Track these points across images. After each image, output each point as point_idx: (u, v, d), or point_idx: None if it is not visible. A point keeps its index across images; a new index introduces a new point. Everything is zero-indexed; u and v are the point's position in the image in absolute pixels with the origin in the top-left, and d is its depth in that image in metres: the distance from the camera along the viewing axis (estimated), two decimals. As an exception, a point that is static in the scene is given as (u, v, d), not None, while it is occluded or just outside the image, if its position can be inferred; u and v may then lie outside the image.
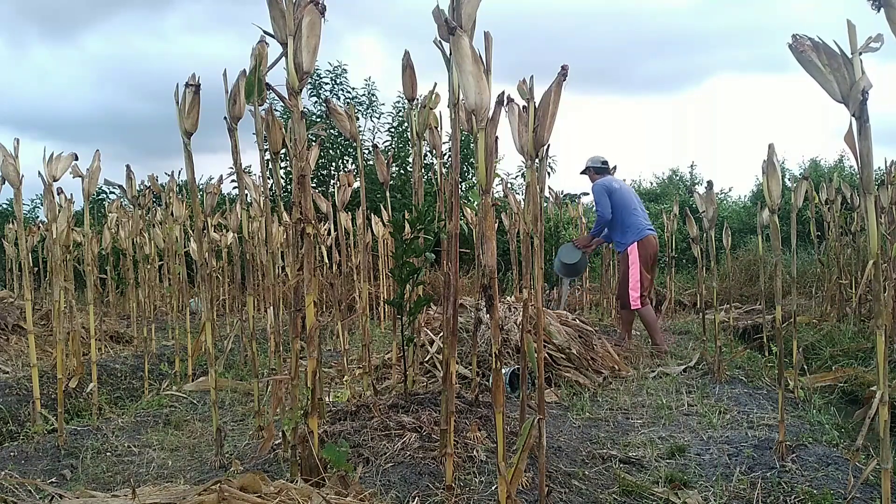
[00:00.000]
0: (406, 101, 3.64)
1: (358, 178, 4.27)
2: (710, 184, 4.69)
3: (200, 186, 10.45)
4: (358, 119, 12.01)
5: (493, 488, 2.41)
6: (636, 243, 5.89)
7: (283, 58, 2.16)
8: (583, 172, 6.52)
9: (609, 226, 6.07)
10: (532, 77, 2.12)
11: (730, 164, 39.26)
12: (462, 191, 12.42)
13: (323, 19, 2.13)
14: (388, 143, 13.53)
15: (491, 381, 2.19)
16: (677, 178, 20.09)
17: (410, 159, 6.51)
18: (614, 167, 7.24)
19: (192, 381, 4.84)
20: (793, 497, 2.46)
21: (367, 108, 13.91)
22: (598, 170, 6.30)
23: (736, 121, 46.10)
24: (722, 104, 52.07)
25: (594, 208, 6.31)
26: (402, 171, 12.77)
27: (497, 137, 2.16)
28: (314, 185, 12.37)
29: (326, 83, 13.65)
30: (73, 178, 3.66)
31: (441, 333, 4.41)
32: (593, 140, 41.46)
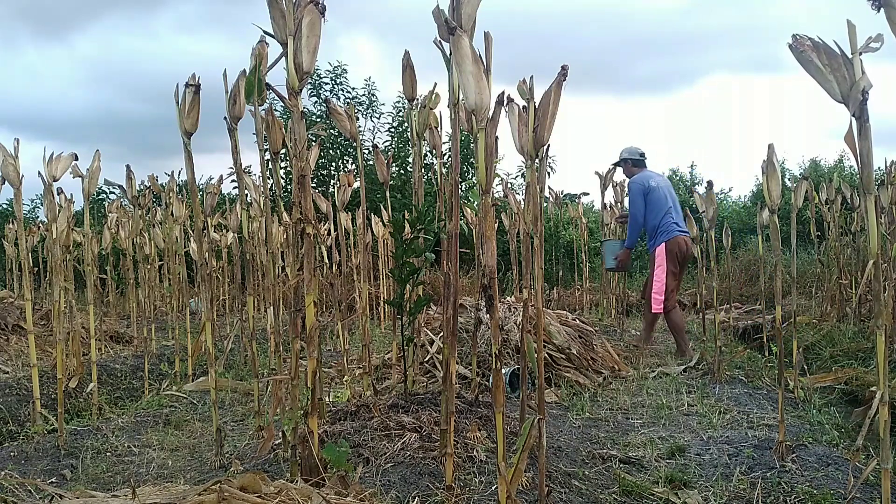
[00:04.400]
0: (406, 101, 3.64)
1: (358, 178, 4.27)
2: (710, 184, 4.69)
3: (200, 186, 10.46)
4: (358, 119, 12.01)
5: (493, 488, 2.41)
6: (664, 244, 5.54)
7: (283, 58, 2.16)
8: (617, 164, 6.08)
9: (644, 225, 5.69)
10: (532, 77, 2.12)
11: (729, 164, 39.28)
12: (462, 191, 12.41)
13: (323, 19, 2.13)
14: (388, 143, 13.53)
15: (491, 381, 2.19)
16: (677, 178, 20.09)
17: (410, 159, 6.51)
18: (615, 167, 7.13)
19: (192, 381, 4.83)
20: (793, 497, 2.46)
21: (367, 108, 13.92)
22: (635, 162, 5.83)
23: (733, 121, 46.16)
24: (716, 104, 52.23)
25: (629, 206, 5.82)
26: (402, 171, 12.77)
27: (497, 137, 2.16)
28: (314, 185, 12.37)
29: (326, 83, 13.66)
30: (73, 178, 3.65)
31: (441, 333, 4.41)
32: (590, 140, 41.49)
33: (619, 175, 7.39)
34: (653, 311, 5.63)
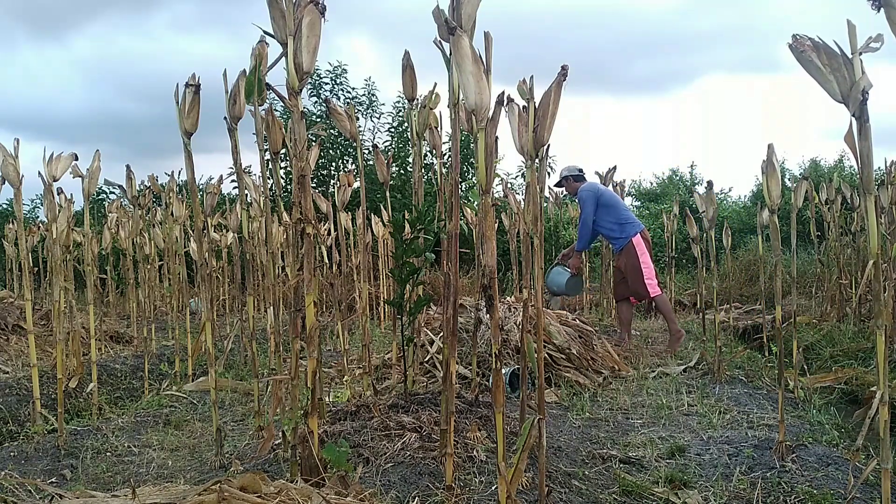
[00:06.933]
0: (406, 101, 3.64)
1: (358, 178, 4.27)
2: (710, 184, 4.69)
3: (200, 186, 10.46)
4: (358, 119, 12.02)
5: (493, 488, 2.41)
6: (638, 234, 5.92)
7: (283, 58, 2.16)
8: (558, 185, 6.53)
9: (603, 227, 6.05)
10: (532, 77, 2.12)
11: (729, 164, 39.30)
12: (462, 191, 12.41)
13: (323, 19, 2.13)
14: (388, 143, 13.53)
15: (491, 381, 2.19)
16: (677, 178, 20.09)
17: (410, 159, 6.51)
18: (614, 167, 7.30)
19: (192, 381, 4.84)
20: (793, 497, 2.46)
21: (367, 108, 13.91)
22: (576, 178, 6.29)
23: (731, 121, 46.20)
24: (713, 104, 52.35)
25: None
26: (402, 171, 12.77)
27: (497, 137, 2.16)
28: (314, 185, 12.37)
29: (326, 83, 13.66)
30: (73, 178, 3.66)
31: (441, 333, 4.41)
32: (587, 141, 41.55)
33: (619, 175, 7.48)
34: (652, 295, 5.84)
